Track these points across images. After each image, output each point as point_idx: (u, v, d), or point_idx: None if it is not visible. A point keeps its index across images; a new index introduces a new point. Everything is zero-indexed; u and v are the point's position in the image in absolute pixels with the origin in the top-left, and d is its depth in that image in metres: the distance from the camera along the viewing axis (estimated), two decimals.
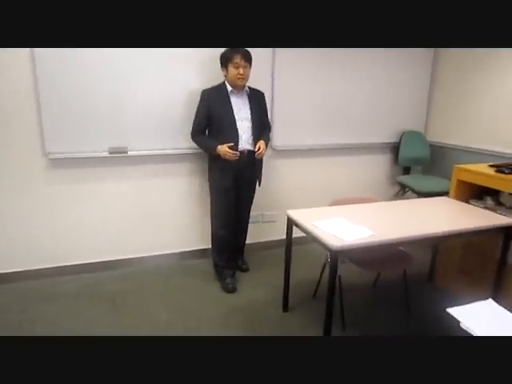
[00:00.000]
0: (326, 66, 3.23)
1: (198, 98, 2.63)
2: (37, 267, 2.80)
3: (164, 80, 2.77)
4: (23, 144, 2.59)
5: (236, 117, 2.57)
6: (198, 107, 2.62)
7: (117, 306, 2.51)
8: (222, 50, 2.57)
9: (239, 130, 2.57)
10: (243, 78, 2.53)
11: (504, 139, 3.06)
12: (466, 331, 1.34)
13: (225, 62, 2.53)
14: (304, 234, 2.13)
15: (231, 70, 2.50)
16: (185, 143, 2.88)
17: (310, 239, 2.07)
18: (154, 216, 3.03)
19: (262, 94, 2.75)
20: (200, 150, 2.84)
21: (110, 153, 2.75)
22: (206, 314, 2.46)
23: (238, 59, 2.47)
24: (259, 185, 2.85)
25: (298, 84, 3.17)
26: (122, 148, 2.77)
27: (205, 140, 2.66)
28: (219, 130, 2.58)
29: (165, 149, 2.90)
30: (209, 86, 2.65)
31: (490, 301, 1.52)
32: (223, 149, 2.51)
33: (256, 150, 2.60)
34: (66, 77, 2.54)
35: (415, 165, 3.73)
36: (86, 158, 2.72)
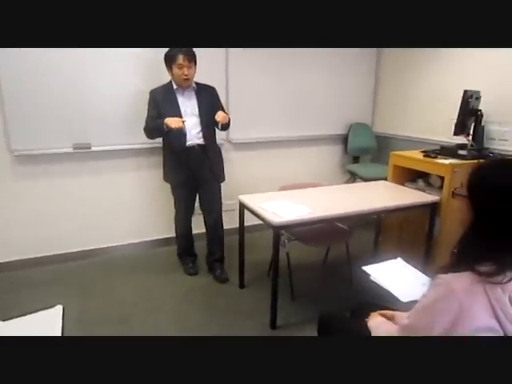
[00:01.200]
0: (278, 62, 3.48)
1: None
2: (5, 260, 2.94)
3: (125, 77, 2.96)
4: None
5: (183, 113, 2.61)
6: (148, 107, 2.67)
7: (86, 292, 2.69)
8: None
9: (187, 126, 2.59)
10: (188, 79, 2.56)
11: (432, 128, 3.41)
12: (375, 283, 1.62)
13: (168, 62, 2.57)
14: (260, 222, 2.34)
15: (175, 70, 2.54)
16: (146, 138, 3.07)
17: (262, 222, 2.30)
18: (119, 208, 3.23)
19: (213, 88, 2.77)
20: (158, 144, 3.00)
21: (74, 148, 2.92)
22: (169, 293, 2.68)
23: (180, 60, 2.50)
24: (222, 180, 2.88)
25: (252, 79, 3.41)
26: (86, 144, 2.95)
27: (153, 124, 2.61)
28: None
29: (128, 144, 3.09)
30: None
31: (399, 259, 1.81)
32: (170, 119, 2.49)
33: (216, 118, 2.57)
34: (29, 74, 2.68)
35: (363, 154, 4.05)
36: (51, 154, 2.88)
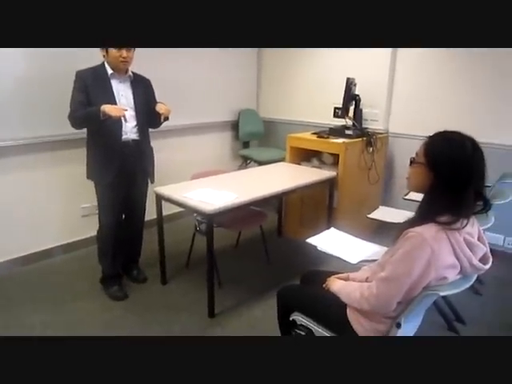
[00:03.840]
0: (171, 56, 3.36)
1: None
2: None
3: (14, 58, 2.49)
4: None
5: (118, 104, 2.28)
6: (74, 91, 2.24)
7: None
8: None
9: (122, 119, 2.20)
10: (126, 62, 2.26)
11: (319, 112, 3.79)
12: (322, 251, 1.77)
13: None
14: (169, 212, 2.24)
15: (113, 52, 2.20)
16: (42, 131, 2.68)
17: (185, 212, 2.25)
18: (8, 213, 2.71)
19: (148, 80, 2.51)
20: (64, 138, 2.66)
21: None
22: (85, 308, 2.39)
23: None
24: (152, 181, 2.59)
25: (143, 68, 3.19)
26: None
27: (84, 111, 2.20)
28: None
29: (32, 137, 2.62)
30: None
31: (333, 229, 2.01)
32: (109, 106, 2.13)
33: (158, 110, 2.34)
34: None
35: (253, 139, 4.24)
36: None
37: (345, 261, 1.70)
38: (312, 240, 1.86)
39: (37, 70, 2.61)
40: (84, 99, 2.22)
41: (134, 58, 2.31)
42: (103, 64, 2.30)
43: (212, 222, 2.17)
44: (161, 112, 2.34)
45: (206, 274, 2.26)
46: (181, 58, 3.48)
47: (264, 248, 2.96)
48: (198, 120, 3.77)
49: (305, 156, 3.31)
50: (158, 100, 2.49)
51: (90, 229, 2.82)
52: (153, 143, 2.58)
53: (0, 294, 2.49)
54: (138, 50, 2.33)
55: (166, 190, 2.39)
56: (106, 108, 2.11)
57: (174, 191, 2.36)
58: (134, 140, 2.39)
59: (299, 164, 3.26)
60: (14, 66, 2.53)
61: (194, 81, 3.67)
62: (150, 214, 2.68)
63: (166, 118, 2.40)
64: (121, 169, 2.35)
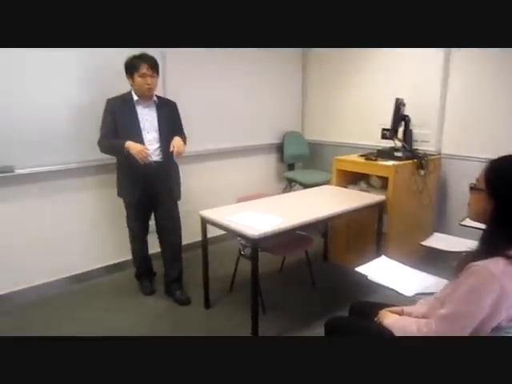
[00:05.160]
0: (209, 77, 3.42)
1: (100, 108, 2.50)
2: None
3: (62, 86, 2.64)
4: None
5: (142, 127, 2.48)
6: (103, 117, 2.48)
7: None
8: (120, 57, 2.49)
9: (145, 142, 2.46)
10: (151, 88, 2.44)
11: (366, 134, 3.69)
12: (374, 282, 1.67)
13: (130, 70, 2.41)
14: (213, 235, 2.26)
15: (138, 79, 2.40)
16: (87, 155, 2.78)
17: (229, 235, 2.24)
18: (55, 236, 2.83)
19: (174, 103, 2.66)
20: (108, 161, 2.75)
21: None
22: (130, 323, 2.41)
23: (144, 69, 2.38)
24: (178, 199, 2.73)
25: (189, 92, 3.28)
26: (7, 167, 2.52)
27: (111, 141, 2.46)
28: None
29: (61, 164, 2.73)
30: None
31: (383, 257, 1.90)
32: (133, 145, 2.36)
33: (171, 148, 2.46)
34: None
35: (298, 161, 4.21)
36: None
37: (399, 293, 1.59)
38: (362, 269, 1.76)
39: (86, 99, 2.74)
40: (112, 124, 2.45)
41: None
42: (130, 92, 2.50)
43: (257, 246, 2.13)
44: (172, 148, 2.45)
45: (250, 298, 2.21)
46: (226, 81, 3.55)
47: (309, 273, 2.87)
48: (243, 143, 3.79)
49: (352, 179, 3.22)
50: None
51: None
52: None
53: (50, 309, 2.58)
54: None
55: (210, 214, 2.39)
56: (131, 147, 2.35)
57: (219, 215, 2.36)
58: (156, 161, 2.51)
59: (346, 187, 3.17)
60: (67, 97, 2.68)
61: (240, 104, 3.71)
62: (195, 236, 2.70)
63: (179, 154, 2.49)
64: (145, 188, 2.53)
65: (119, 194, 2.66)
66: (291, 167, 4.17)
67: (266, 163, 4.08)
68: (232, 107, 3.65)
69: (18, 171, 2.56)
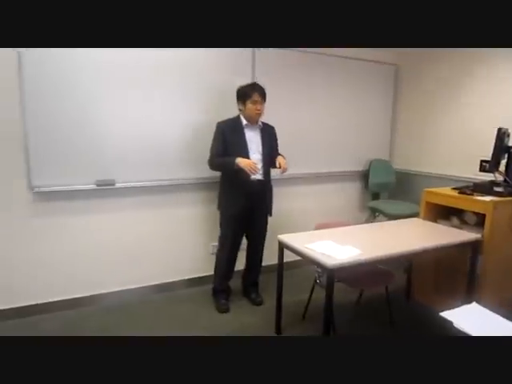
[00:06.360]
0: (298, 102, 3.49)
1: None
2: (18, 305, 2.70)
3: (157, 110, 2.91)
4: (8, 177, 2.56)
5: (249, 149, 2.73)
6: (214, 138, 2.75)
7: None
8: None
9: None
10: (260, 114, 2.73)
11: (461, 165, 3.42)
12: (460, 331, 1.50)
13: (243, 97, 2.70)
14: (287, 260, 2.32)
15: (249, 105, 2.68)
16: (181, 173, 3.03)
17: (306, 261, 2.21)
18: (148, 246, 3.07)
19: (273, 128, 2.92)
20: (202, 180, 3.03)
21: (98, 185, 2.78)
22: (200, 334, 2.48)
23: (256, 96, 2.66)
24: (270, 214, 2.97)
25: (278, 118, 3.34)
26: (109, 180, 2.81)
27: (223, 159, 2.70)
28: None
29: (154, 180, 2.98)
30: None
31: (474, 304, 1.71)
32: (242, 159, 2.61)
33: (277, 165, 2.72)
34: (52, 108, 2.56)
35: (383, 190, 4.03)
36: (73, 190, 2.73)
37: None
38: (448, 314, 1.60)
39: (203, 121, 3.01)
40: (222, 146, 2.71)
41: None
42: (239, 116, 2.79)
43: (332, 276, 2.06)
44: (278, 167, 2.72)
45: (322, 328, 2.14)
46: (313, 108, 3.58)
47: (388, 311, 2.69)
48: (327, 169, 3.76)
49: (443, 213, 2.98)
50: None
51: None
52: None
53: (131, 314, 2.77)
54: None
55: (288, 239, 2.38)
56: (242, 163, 2.59)
57: (297, 240, 2.34)
58: (259, 180, 2.77)
59: (436, 222, 2.94)
60: (181, 117, 2.99)
61: (325, 130, 3.70)
62: (271, 259, 2.72)
63: (285, 171, 2.76)
64: (245, 204, 2.76)
65: (218, 208, 2.89)
66: (376, 196, 4.01)
67: (348, 190, 3.98)
68: (317, 133, 3.66)
69: (118, 185, 2.85)
